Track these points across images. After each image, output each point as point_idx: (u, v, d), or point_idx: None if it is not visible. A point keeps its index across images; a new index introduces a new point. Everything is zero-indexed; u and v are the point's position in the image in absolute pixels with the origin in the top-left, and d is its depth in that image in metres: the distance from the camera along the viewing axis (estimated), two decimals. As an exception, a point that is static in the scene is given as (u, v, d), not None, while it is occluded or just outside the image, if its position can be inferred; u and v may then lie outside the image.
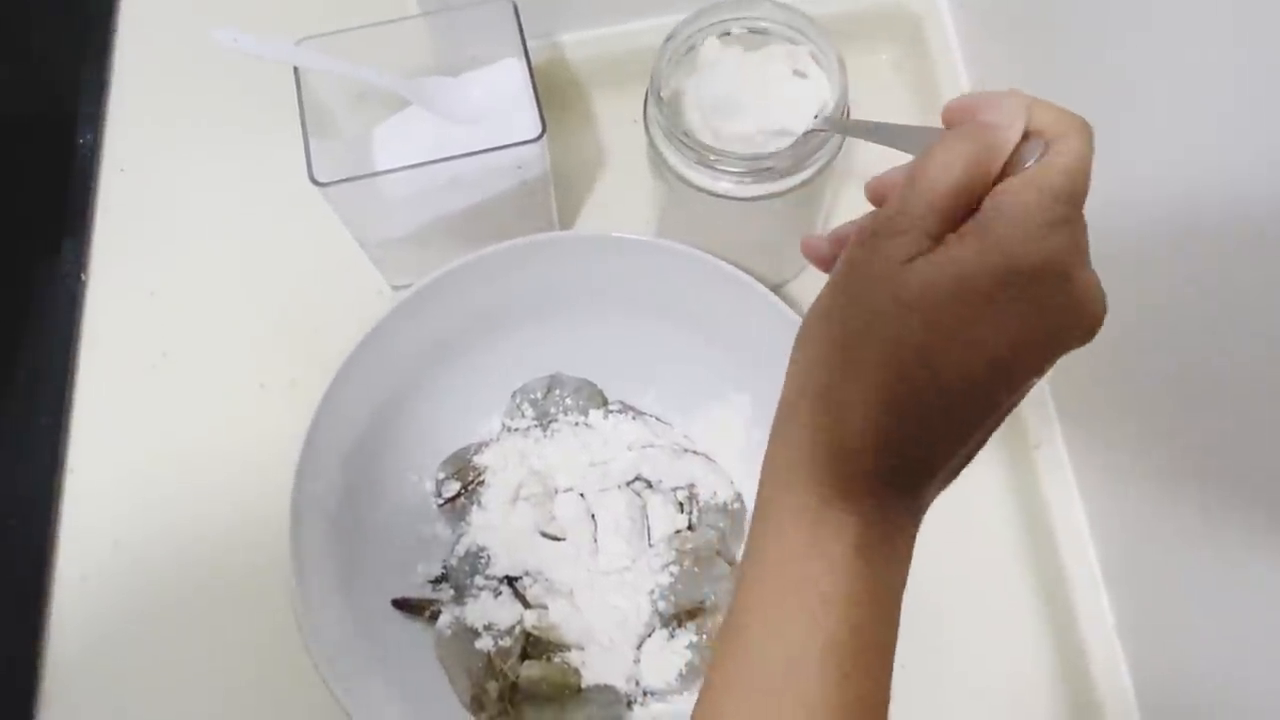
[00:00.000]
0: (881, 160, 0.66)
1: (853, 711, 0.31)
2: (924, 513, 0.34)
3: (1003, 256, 0.29)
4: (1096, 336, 0.49)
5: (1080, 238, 0.31)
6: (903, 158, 0.34)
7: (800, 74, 0.52)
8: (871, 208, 0.35)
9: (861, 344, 0.31)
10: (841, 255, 0.33)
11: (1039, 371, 0.31)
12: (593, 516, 0.55)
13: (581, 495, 0.55)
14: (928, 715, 0.54)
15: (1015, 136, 0.31)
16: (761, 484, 0.34)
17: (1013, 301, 0.29)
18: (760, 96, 0.52)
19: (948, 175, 0.31)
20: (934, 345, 0.30)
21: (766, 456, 0.34)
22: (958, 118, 0.33)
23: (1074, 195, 0.30)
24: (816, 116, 0.50)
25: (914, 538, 0.34)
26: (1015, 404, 0.32)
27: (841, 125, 0.49)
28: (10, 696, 0.54)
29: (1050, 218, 0.30)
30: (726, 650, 0.33)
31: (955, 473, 0.33)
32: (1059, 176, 0.30)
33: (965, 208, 0.31)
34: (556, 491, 0.56)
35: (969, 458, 0.33)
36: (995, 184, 0.31)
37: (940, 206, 0.30)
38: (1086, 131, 0.32)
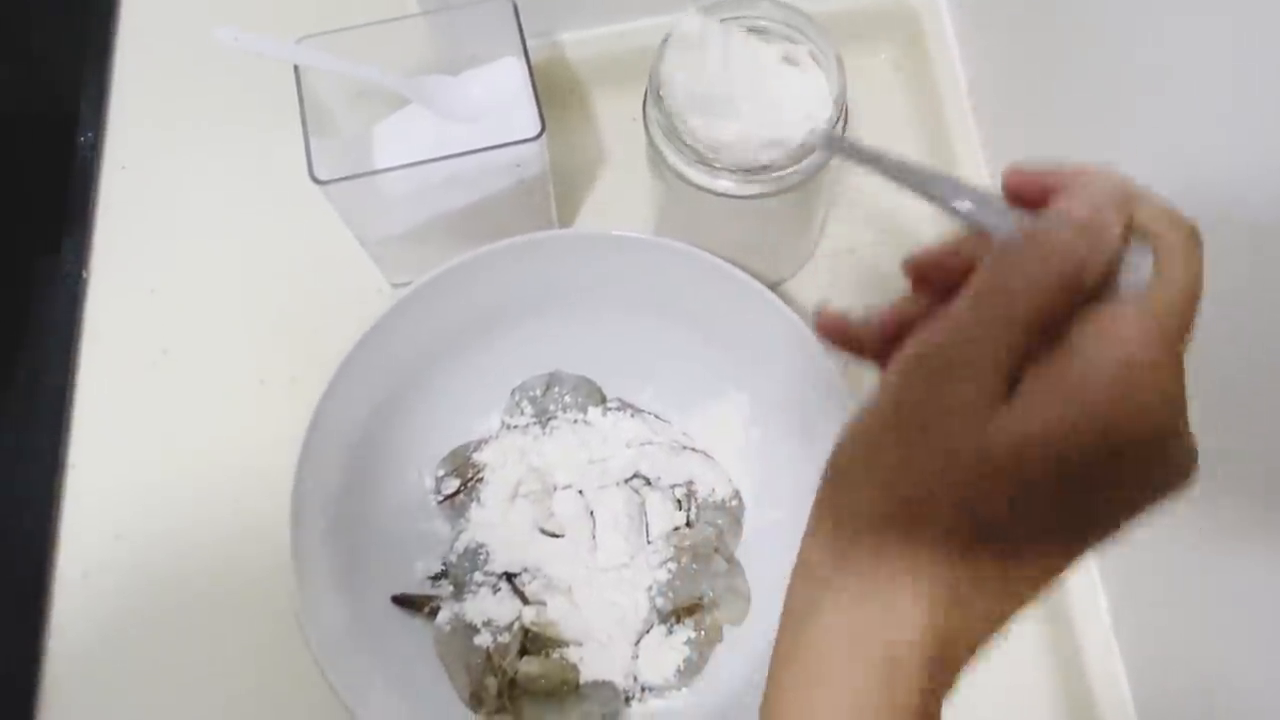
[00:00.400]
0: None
1: None
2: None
3: (1107, 421, 0.24)
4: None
5: (1183, 386, 0.26)
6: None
7: (791, 61, 0.52)
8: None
9: (928, 505, 0.25)
10: (888, 378, 0.27)
11: (1117, 529, 0.27)
12: (591, 513, 0.55)
13: (580, 492, 0.56)
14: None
15: (1117, 242, 0.25)
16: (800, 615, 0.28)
17: (1111, 472, 0.25)
18: (755, 95, 0.52)
19: (1032, 298, 0.25)
20: (1017, 523, 0.25)
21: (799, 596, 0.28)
22: (1029, 192, 0.28)
23: (1183, 330, 0.25)
24: (811, 131, 0.49)
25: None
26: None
27: (841, 146, 0.44)
28: (11, 694, 0.55)
29: (1159, 364, 0.24)
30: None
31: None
32: (1171, 307, 0.24)
33: (1047, 332, 0.25)
34: (555, 488, 0.56)
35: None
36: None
37: (1019, 339, 0.25)
38: (1197, 239, 0.26)
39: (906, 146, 0.65)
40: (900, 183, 0.31)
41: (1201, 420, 0.44)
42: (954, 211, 0.29)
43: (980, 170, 0.62)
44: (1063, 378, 0.25)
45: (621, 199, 0.64)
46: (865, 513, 0.27)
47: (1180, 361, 0.25)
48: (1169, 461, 0.26)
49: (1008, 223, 0.28)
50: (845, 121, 0.51)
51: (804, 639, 0.27)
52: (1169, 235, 0.26)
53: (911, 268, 0.30)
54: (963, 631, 0.26)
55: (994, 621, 0.27)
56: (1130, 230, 0.26)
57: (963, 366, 0.25)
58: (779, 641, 0.29)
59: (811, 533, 0.29)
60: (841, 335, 0.32)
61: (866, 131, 0.64)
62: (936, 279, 0.29)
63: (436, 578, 0.55)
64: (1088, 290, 0.25)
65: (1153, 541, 0.50)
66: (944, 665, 0.26)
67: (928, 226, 0.63)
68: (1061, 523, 0.26)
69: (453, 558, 0.55)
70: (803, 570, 0.29)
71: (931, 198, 0.30)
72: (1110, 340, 0.25)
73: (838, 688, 0.26)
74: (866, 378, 0.59)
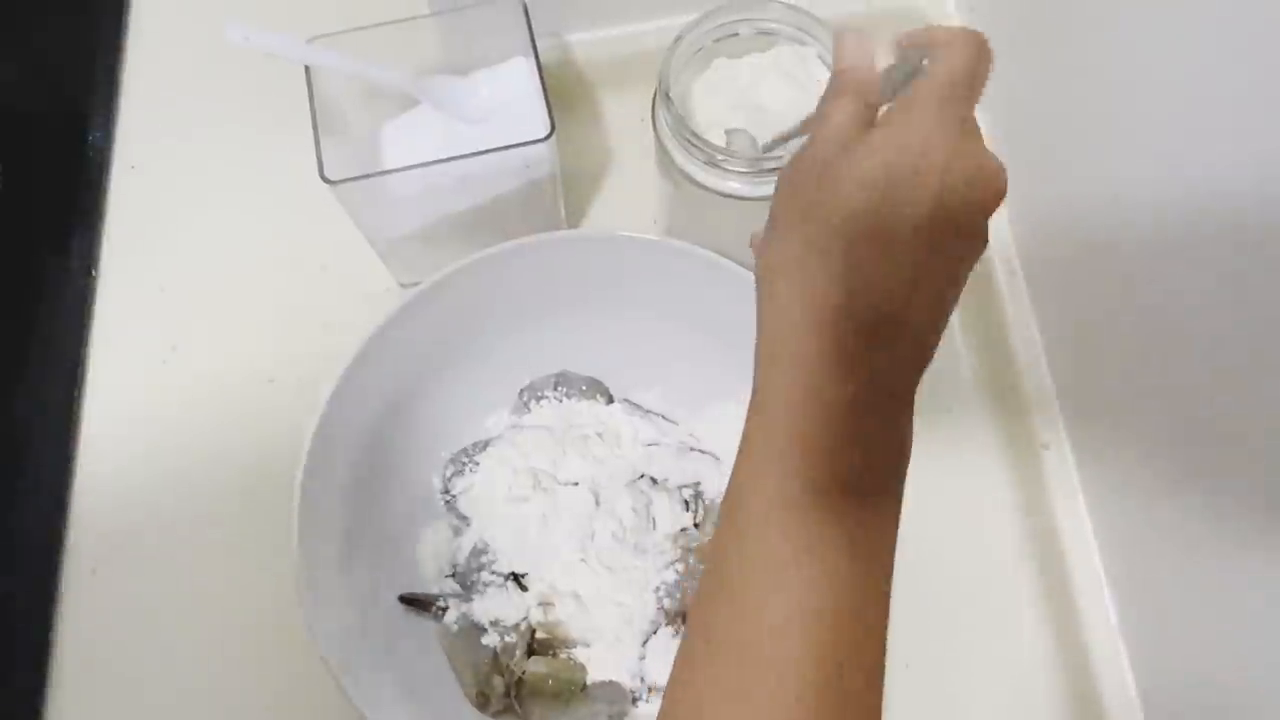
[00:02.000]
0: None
1: (833, 686, 0.32)
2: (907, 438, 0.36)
3: (897, 141, 0.35)
4: (1103, 336, 0.50)
5: (963, 123, 0.37)
6: None
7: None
8: None
9: (819, 212, 0.35)
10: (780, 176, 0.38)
11: (970, 237, 0.36)
12: (599, 514, 0.55)
13: (588, 492, 0.56)
14: (931, 714, 0.54)
15: (869, 73, 0.39)
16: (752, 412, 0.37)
17: (917, 176, 0.34)
18: (764, 97, 0.53)
19: (840, 115, 0.37)
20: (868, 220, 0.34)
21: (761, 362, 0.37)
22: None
23: (958, 88, 0.37)
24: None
25: (904, 409, 0.36)
26: (962, 274, 0.37)
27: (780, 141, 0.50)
28: (21, 688, 0.55)
29: (925, 107, 0.35)
30: (713, 607, 0.34)
31: (925, 350, 0.36)
32: (946, 76, 0.36)
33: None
34: (563, 488, 0.56)
35: (934, 331, 0.36)
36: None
37: (848, 119, 0.37)
38: (972, 37, 0.38)
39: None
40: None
41: (1210, 421, 0.44)
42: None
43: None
44: (875, 131, 0.36)
45: (630, 200, 0.64)
46: (786, 228, 0.37)
47: (959, 105, 0.36)
48: (960, 164, 0.35)
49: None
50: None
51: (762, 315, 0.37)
52: (948, 38, 0.38)
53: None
54: (863, 297, 0.34)
55: (880, 291, 0.35)
56: (910, 45, 0.39)
57: (826, 140, 0.37)
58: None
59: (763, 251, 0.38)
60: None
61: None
62: None
63: (444, 578, 0.55)
64: (875, 102, 0.38)
65: (1159, 539, 0.50)
66: (859, 323, 0.34)
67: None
68: (898, 207, 0.34)
69: (460, 558, 0.55)
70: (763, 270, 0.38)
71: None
72: (901, 105, 0.36)
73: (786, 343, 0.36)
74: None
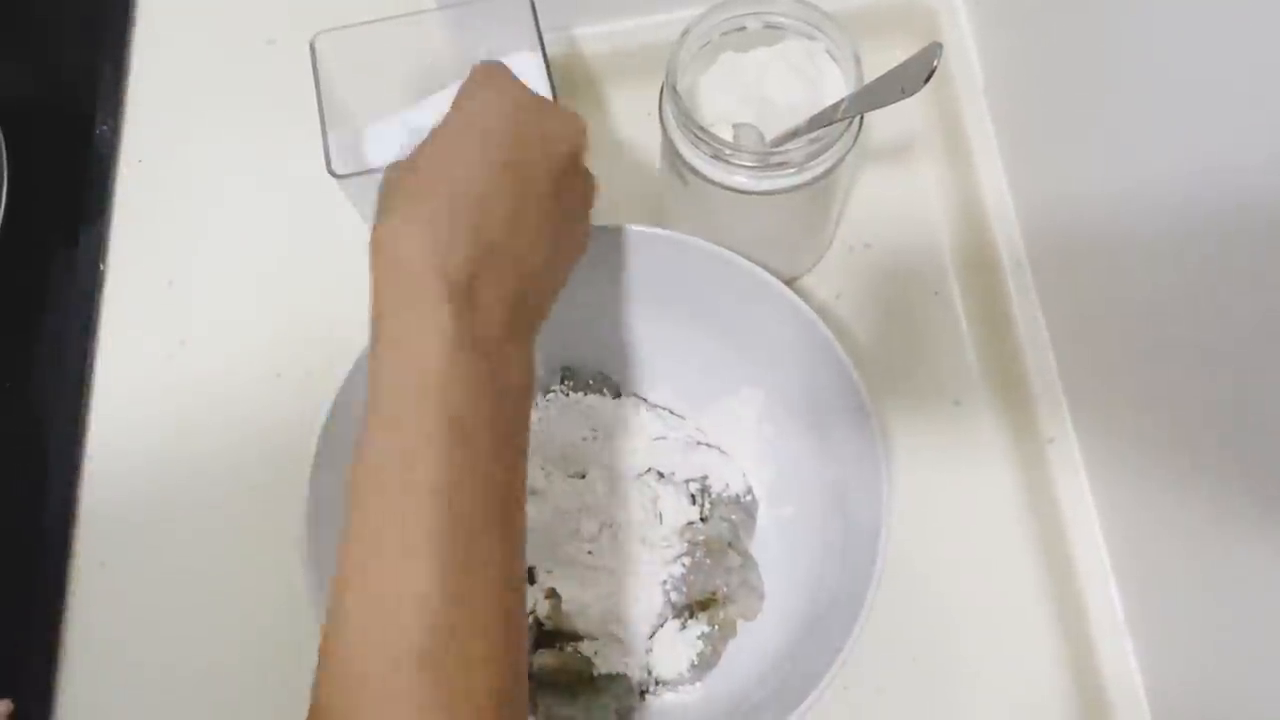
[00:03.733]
0: (896, 151, 0.66)
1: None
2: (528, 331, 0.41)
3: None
4: (1110, 329, 0.51)
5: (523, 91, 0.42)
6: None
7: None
8: None
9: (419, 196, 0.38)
10: None
11: (554, 170, 0.40)
12: (606, 507, 0.55)
13: (595, 486, 0.56)
14: (936, 706, 0.54)
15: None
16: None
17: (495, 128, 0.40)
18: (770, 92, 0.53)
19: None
20: (456, 170, 0.38)
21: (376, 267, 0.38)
22: None
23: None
24: (813, 119, 0.50)
25: (516, 356, 0.39)
26: (571, 213, 0.42)
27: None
28: (32, 683, 0.55)
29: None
30: (352, 467, 0.37)
31: (537, 282, 0.40)
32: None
33: None
34: (569, 480, 0.56)
35: (536, 255, 0.40)
36: None
37: None
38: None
39: (922, 144, 0.65)
40: None
41: (1218, 413, 0.44)
42: None
43: (997, 168, 0.62)
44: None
45: (636, 193, 0.64)
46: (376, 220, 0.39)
47: (493, 80, 0.42)
48: (535, 116, 0.41)
49: None
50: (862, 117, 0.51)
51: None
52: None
53: None
54: (453, 248, 0.37)
55: (496, 253, 0.38)
56: None
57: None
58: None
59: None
60: None
61: (881, 128, 0.64)
62: None
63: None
64: None
65: (1165, 533, 0.50)
66: (456, 281, 0.36)
67: (941, 220, 0.63)
68: (474, 166, 0.39)
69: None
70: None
71: None
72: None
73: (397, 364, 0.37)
74: (880, 374, 0.59)
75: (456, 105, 0.41)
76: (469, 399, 0.35)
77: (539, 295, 0.41)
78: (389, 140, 0.57)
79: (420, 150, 0.40)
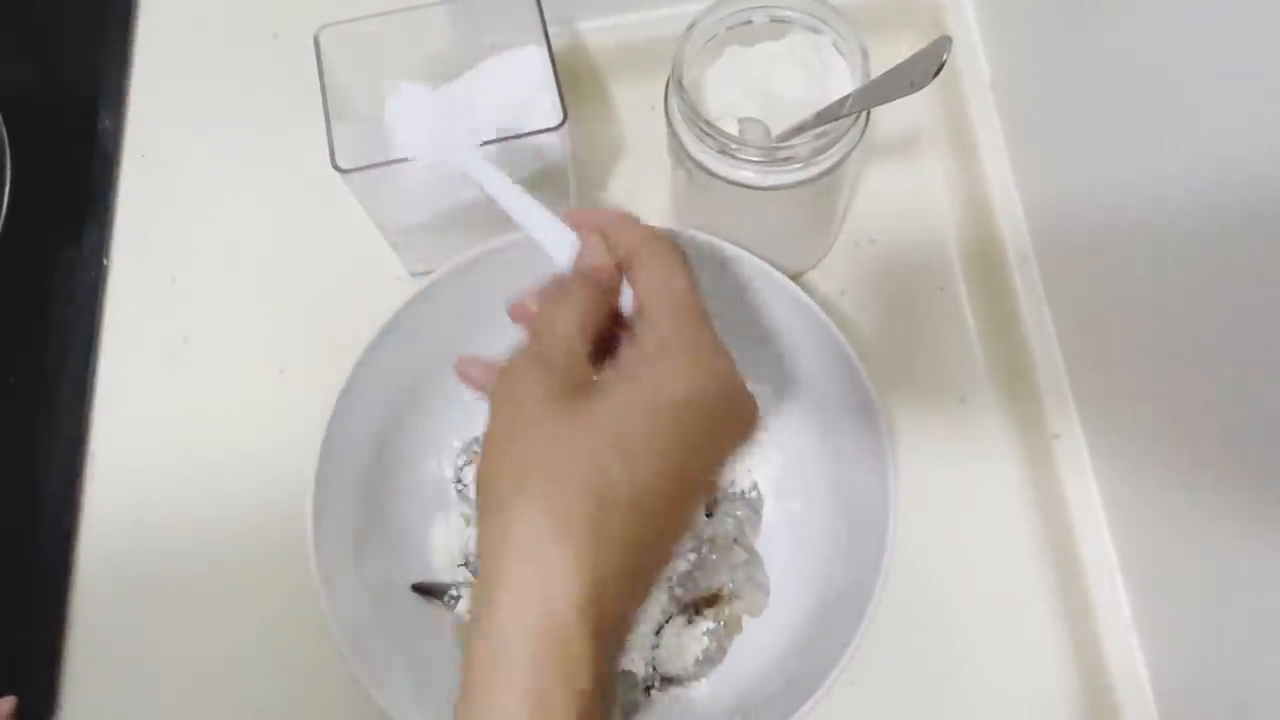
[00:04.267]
0: (902, 146, 0.66)
1: None
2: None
3: (661, 384, 0.32)
4: (1113, 324, 0.51)
5: (710, 333, 0.35)
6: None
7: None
8: None
9: (554, 480, 0.30)
10: (492, 395, 0.35)
11: (718, 475, 0.34)
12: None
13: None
14: (941, 702, 0.54)
15: (615, 281, 0.36)
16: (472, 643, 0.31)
17: (686, 425, 0.32)
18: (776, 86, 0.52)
19: (568, 323, 0.34)
20: (634, 477, 0.30)
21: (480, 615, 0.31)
22: (578, 224, 0.38)
23: (685, 307, 0.35)
24: (819, 114, 0.49)
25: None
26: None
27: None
28: (35, 679, 0.55)
29: (684, 343, 0.33)
30: None
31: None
32: (668, 297, 0.34)
33: (599, 336, 0.35)
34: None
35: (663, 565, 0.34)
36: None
37: (576, 340, 0.34)
38: (657, 240, 0.36)
39: (928, 140, 0.65)
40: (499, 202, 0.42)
41: (1224, 409, 0.44)
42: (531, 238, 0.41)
43: (1003, 163, 0.62)
44: (631, 368, 0.33)
45: (641, 188, 0.64)
46: (511, 505, 0.31)
47: (699, 325, 0.34)
48: (725, 411, 0.33)
49: (564, 253, 0.39)
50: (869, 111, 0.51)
51: (484, 624, 0.30)
52: (630, 240, 0.36)
53: (512, 312, 0.39)
54: (613, 584, 0.30)
55: (641, 577, 0.31)
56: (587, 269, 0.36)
57: (551, 346, 0.33)
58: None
59: (481, 538, 0.32)
60: (480, 375, 0.40)
61: (887, 124, 0.64)
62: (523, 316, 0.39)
63: (457, 566, 0.55)
64: (614, 311, 0.35)
65: (1172, 529, 0.50)
66: (603, 619, 0.30)
67: (947, 215, 0.63)
68: (659, 472, 0.31)
69: (472, 547, 0.55)
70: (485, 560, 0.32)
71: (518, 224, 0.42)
72: (649, 335, 0.34)
73: (511, 660, 0.29)
74: (885, 370, 0.59)
75: (659, 354, 0.32)
76: None
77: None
78: (393, 135, 0.56)
79: (593, 401, 0.31)
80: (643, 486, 0.30)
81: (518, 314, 0.39)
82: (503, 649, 0.29)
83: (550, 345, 0.34)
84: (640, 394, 0.32)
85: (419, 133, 0.53)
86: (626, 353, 0.35)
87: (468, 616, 0.53)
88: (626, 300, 0.37)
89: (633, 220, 0.37)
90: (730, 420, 0.33)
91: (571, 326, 0.34)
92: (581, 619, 0.29)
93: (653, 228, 0.37)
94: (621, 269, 0.36)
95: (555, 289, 0.36)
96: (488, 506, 0.32)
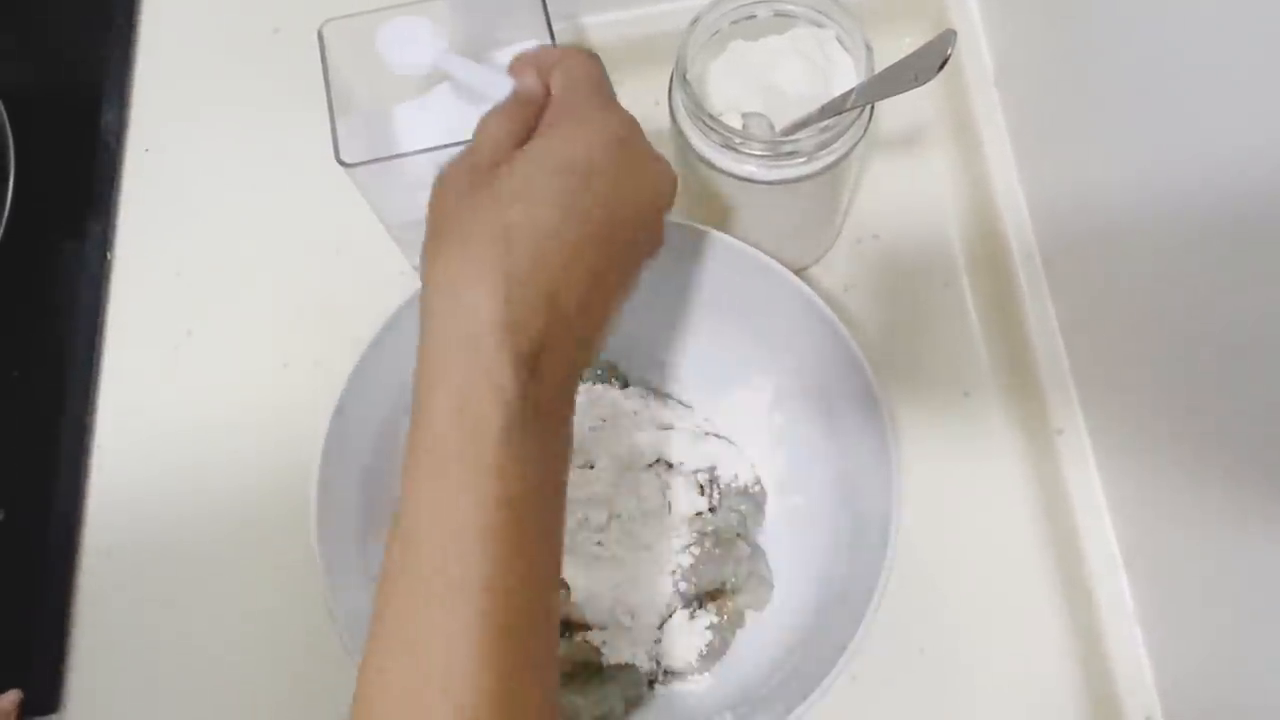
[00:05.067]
0: (906, 141, 0.66)
1: (514, 591, 0.32)
2: (573, 383, 0.37)
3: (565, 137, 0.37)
4: (1116, 320, 0.51)
5: (608, 99, 0.40)
6: None
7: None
8: None
9: (472, 226, 0.34)
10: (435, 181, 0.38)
11: (642, 226, 0.38)
12: (614, 497, 0.55)
13: (603, 476, 0.56)
14: (944, 697, 0.54)
15: (538, 92, 0.40)
16: (417, 376, 0.35)
17: (587, 170, 0.35)
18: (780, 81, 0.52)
19: (497, 129, 0.38)
20: (536, 222, 0.34)
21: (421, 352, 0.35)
22: (515, 66, 0.42)
23: (594, 88, 0.39)
24: (823, 109, 0.49)
25: (566, 418, 0.37)
26: (635, 274, 0.38)
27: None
28: (41, 671, 0.55)
29: (595, 113, 0.38)
30: (392, 539, 0.34)
31: (590, 352, 0.37)
32: (569, 84, 0.39)
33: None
34: (579, 471, 0.56)
35: (602, 333, 0.37)
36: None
37: (499, 143, 0.38)
38: (579, 52, 0.41)
39: (931, 133, 0.65)
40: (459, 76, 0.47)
41: (1228, 404, 0.44)
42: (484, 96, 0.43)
43: (1007, 158, 0.62)
44: (533, 137, 0.38)
45: (644, 183, 0.64)
46: (431, 264, 0.35)
47: (593, 94, 0.39)
48: (631, 162, 0.37)
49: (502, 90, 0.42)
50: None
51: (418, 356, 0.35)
52: (560, 56, 0.41)
53: None
54: (528, 313, 0.33)
55: (560, 312, 0.34)
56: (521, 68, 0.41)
57: (479, 149, 0.38)
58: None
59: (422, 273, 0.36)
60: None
61: (890, 119, 0.64)
62: None
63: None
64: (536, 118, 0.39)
65: (1175, 524, 0.50)
66: (522, 340, 0.33)
67: (951, 210, 0.63)
68: (562, 212, 0.35)
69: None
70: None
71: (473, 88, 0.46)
72: (548, 109, 0.39)
73: (444, 380, 0.33)
74: (890, 366, 0.59)
75: (555, 123, 0.37)
76: (524, 484, 0.33)
77: (593, 349, 0.38)
78: (396, 129, 0.56)
79: (501, 169, 0.36)
80: (546, 229, 0.34)
81: None
82: (432, 362, 0.33)
83: (478, 145, 0.38)
84: (535, 153, 0.36)
85: (415, 58, 0.52)
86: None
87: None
88: None
89: (559, 49, 0.42)
90: (632, 171, 0.37)
91: (500, 131, 0.38)
92: (496, 332, 0.32)
93: (574, 48, 0.42)
94: (549, 87, 0.40)
95: (491, 111, 0.40)
96: (426, 268, 0.35)
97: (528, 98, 0.40)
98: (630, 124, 0.38)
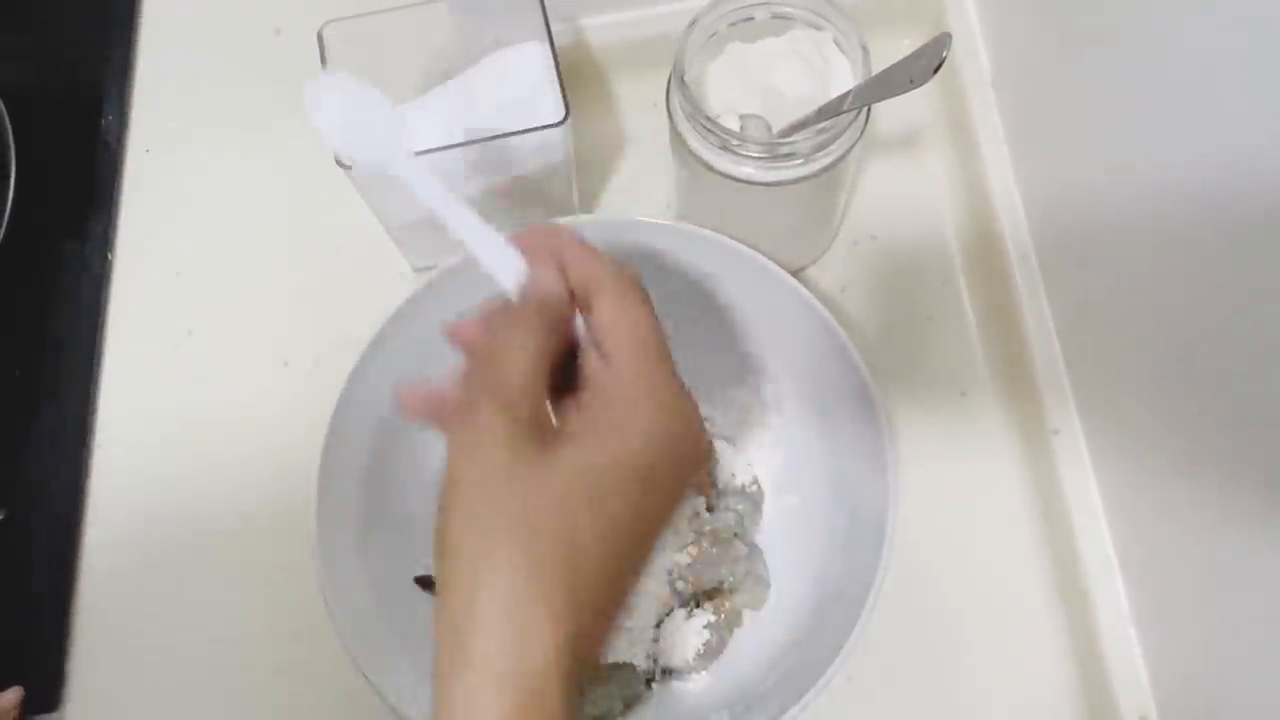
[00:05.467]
0: (902, 142, 0.66)
1: None
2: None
3: (635, 440, 0.32)
4: (1112, 320, 0.50)
5: (673, 377, 0.34)
6: None
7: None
8: None
9: (531, 539, 0.30)
10: (449, 438, 0.33)
11: (676, 509, 0.34)
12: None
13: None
14: (940, 696, 0.55)
15: (569, 312, 0.34)
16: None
17: (652, 474, 0.32)
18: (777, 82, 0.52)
19: (525, 361, 0.33)
20: (604, 527, 0.31)
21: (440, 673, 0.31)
22: (529, 249, 0.36)
23: (648, 351, 0.33)
24: (821, 110, 0.50)
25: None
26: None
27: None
28: (42, 668, 0.55)
29: (652, 387, 0.33)
30: None
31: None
32: (634, 342, 0.33)
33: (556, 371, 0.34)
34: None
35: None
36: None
37: (534, 388, 0.33)
38: (620, 280, 0.34)
39: (928, 134, 0.65)
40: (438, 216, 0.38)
41: (1223, 405, 0.44)
42: (473, 258, 0.37)
43: (1003, 159, 0.62)
44: (595, 415, 0.32)
45: (643, 184, 0.64)
46: (482, 559, 0.31)
47: (662, 368, 0.33)
48: (686, 455, 0.33)
49: (510, 278, 0.36)
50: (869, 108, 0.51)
51: (455, 692, 0.30)
52: (589, 277, 0.34)
53: (452, 333, 0.37)
54: (586, 634, 0.30)
55: (611, 616, 0.32)
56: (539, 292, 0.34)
57: (509, 386, 0.32)
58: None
59: (440, 602, 0.32)
60: (425, 406, 0.36)
61: (887, 120, 0.64)
62: (467, 341, 0.36)
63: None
64: (567, 344, 0.34)
65: (1171, 525, 0.50)
66: (576, 666, 0.30)
67: (947, 211, 0.63)
68: (629, 521, 0.31)
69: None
70: (445, 618, 0.31)
71: (460, 242, 0.37)
72: (612, 381, 0.33)
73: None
74: (886, 366, 0.59)
75: (626, 403, 0.32)
76: None
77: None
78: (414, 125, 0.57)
79: (564, 451, 0.31)
80: (613, 535, 0.31)
81: (458, 336, 0.37)
82: (478, 701, 0.29)
83: (507, 385, 0.32)
84: (608, 445, 0.32)
85: (350, 132, 0.44)
86: (587, 395, 0.34)
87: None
88: (579, 327, 0.35)
89: (590, 249, 0.35)
90: (689, 458, 0.34)
91: (528, 365, 0.33)
92: (558, 674, 0.29)
93: (613, 260, 0.35)
94: (576, 299, 0.35)
95: (506, 317, 0.34)
96: (456, 554, 0.31)
97: (552, 306, 0.34)
98: (690, 403, 0.34)
